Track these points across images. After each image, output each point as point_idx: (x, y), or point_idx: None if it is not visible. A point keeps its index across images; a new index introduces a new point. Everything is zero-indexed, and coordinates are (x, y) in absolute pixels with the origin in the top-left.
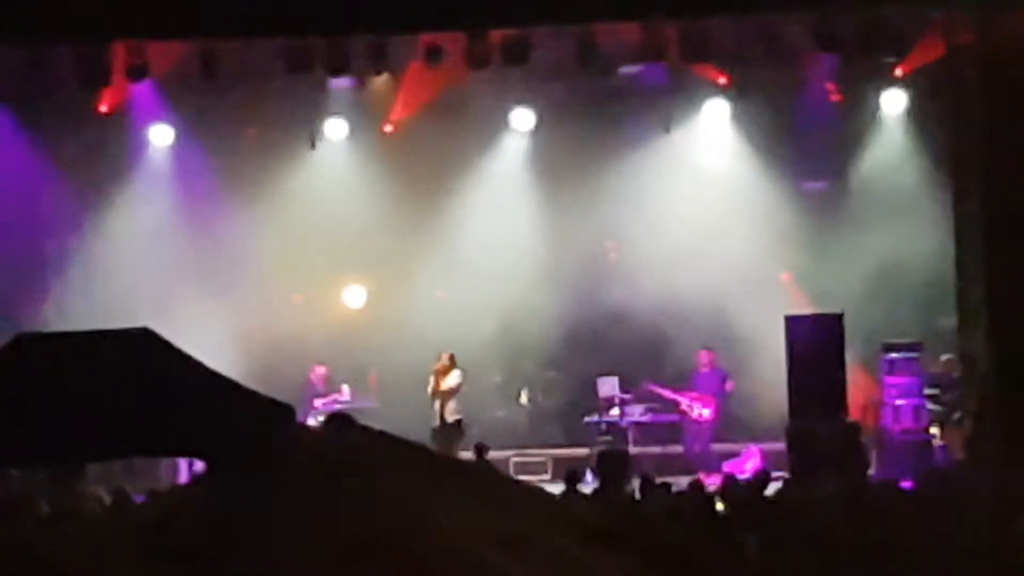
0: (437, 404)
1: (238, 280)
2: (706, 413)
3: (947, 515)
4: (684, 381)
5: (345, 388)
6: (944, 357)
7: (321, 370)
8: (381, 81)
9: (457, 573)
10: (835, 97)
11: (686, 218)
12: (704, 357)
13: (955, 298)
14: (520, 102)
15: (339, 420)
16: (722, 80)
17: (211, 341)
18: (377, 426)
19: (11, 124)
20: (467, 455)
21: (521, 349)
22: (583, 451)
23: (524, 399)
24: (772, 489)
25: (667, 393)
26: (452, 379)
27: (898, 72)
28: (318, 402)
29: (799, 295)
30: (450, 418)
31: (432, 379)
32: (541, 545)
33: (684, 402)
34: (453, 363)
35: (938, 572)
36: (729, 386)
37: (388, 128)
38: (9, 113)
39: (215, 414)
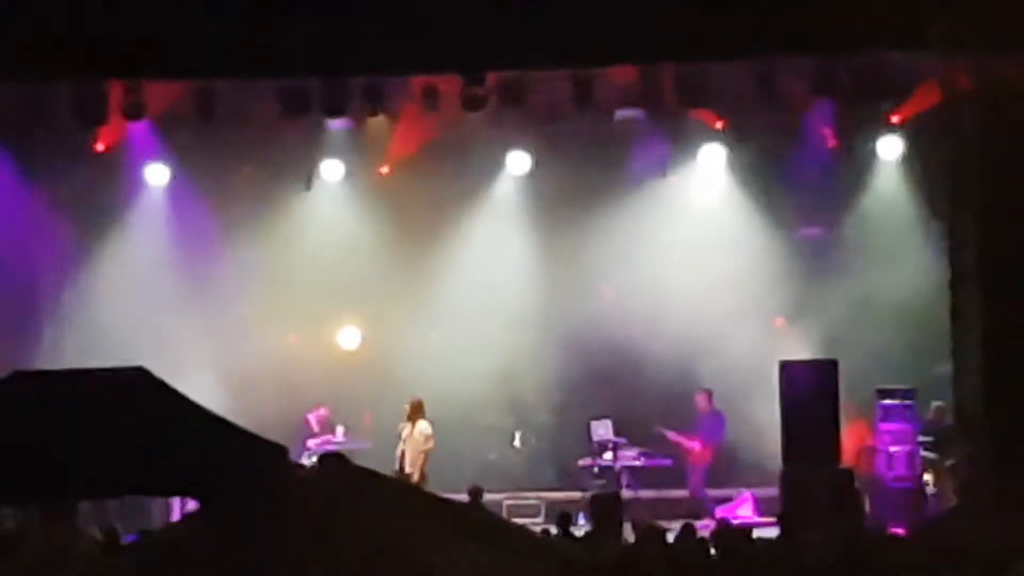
0: (399, 450)
1: (233, 320)
2: (698, 460)
3: (940, 563)
4: (684, 424)
5: (339, 429)
6: (937, 404)
7: (323, 411)
8: (377, 122)
9: None
10: (831, 143)
11: (681, 262)
12: (701, 398)
13: (950, 345)
14: (516, 144)
15: (333, 460)
16: (718, 124)
17: (205, 380)
18: (371, 467)
19: (6, 161)
20: (461, 497)
21: (515, 392)
22: (576, 494)
23: (518, 442)
24: (765, 534)
25: (672, 435)
26: (419, 435)
27: (895, 118)
28: (311, 442)
29: (793, 340)
30: (409, 469)
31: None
32: None
33: (686, 444)
34: (416, 412)
35: None
36: (722, 429)
37: (384, 169)
38: (4, 150)
39: (208, 453)
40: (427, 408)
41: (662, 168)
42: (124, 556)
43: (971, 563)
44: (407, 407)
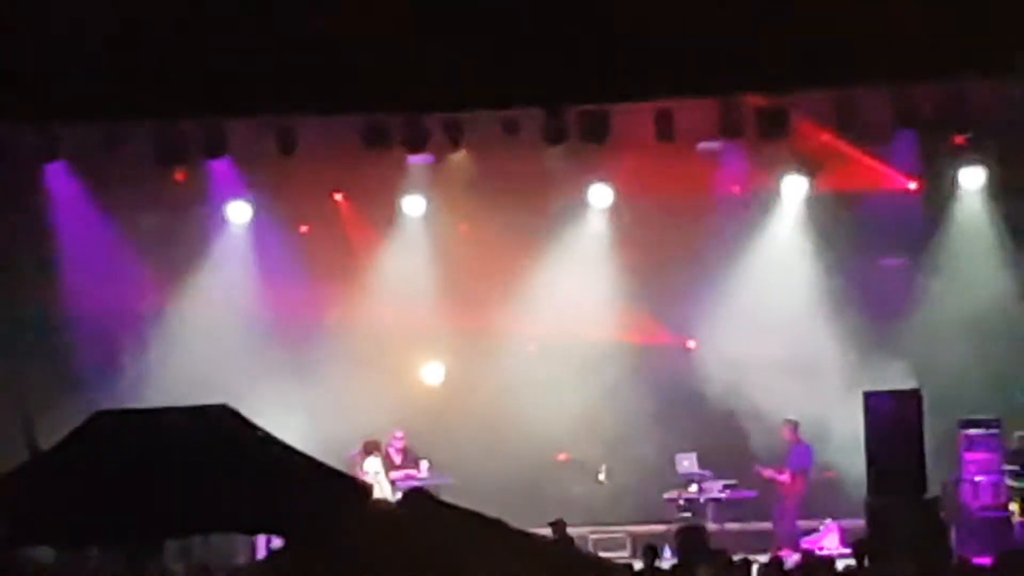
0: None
1: (315, 357)
2: (788, 492)
3: None
4: (773, 457)
5: (423, 464)
6: (1021, 433)
7: (399, 434)
8: (459, 157)
9: None
10: (914, 173)
11: (765, 293)
12: (787, 431)
13: None
14: (598, 178)
15: (416, 496)
16: (800, 158)
17: (289, 417)
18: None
19: (87, 199)
20: (544, 531)
21: (599, 425)
22: (662, 527)
23: (602, 476)
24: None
25: (767, 472)
26: (368, 468)
27: (975, 146)
28: (392, 475)
29: (877, 370)
30: None
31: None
32: None
33: (780, 479)
34: (369, 450)
35: None
36: (810, 458)
37: (466, 204)
38: (86, 189)
39: (292, 490)
40: (511, 441)
41: (745, 200)
42: None
43: None
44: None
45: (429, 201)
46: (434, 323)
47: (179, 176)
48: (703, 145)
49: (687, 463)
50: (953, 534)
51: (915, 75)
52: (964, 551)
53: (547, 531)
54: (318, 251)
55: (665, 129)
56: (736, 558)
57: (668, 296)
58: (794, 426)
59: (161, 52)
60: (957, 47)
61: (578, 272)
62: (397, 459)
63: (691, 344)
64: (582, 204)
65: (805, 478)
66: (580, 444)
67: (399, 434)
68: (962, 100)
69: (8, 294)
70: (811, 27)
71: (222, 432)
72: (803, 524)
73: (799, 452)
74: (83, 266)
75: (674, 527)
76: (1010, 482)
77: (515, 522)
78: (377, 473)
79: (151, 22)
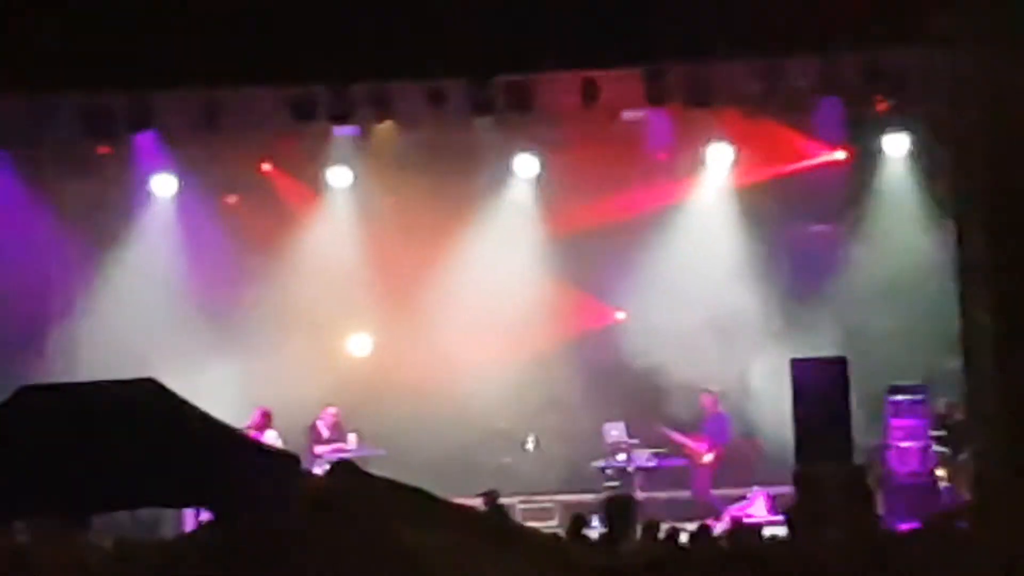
0: None
1: (243, 329)
2: (708, 458)
3: (953, 558)
4: (692, 426)
5: (351, 437)
6: (946, 398)
7: (332, 411)
8: (384, 128)
9: None
10: (838, 139)
11: (691, 260)
12: (707, 400)
13: (959, 339)
14: (524, 148)
15: (345, 468)
16: (725, 126)
17: (216, 391)
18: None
19: (10, 172)
20: (476, 502)
21: (527, 395)
22: (590, 497)
23: (531, 445)
24: (779, 532)
25: (676, 436)
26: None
27: (900, 114)
28: (320, 449)
29: (804, 337)
30: None
31: None
32: None
33: (691, 445)
34: (265, 422)
35: None
36: (728, 430)
37: (393, 175)
38: (9, 161)
39: (220, 464)
40: (440, 412)
41: (671, 168)
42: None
43: (984, 558)
44: (257, 418)
45: (355, 173)
46: (361, 295)
47: (104, 149)
48: (628, 114)
49: (615, 432)
50: (880, 500)
51: (838, 43)
52: (891, 517)
53: (478, 501)
54: (245, 222)
55: (590, 98)
56: (665, 526)
57: (596, 265)
58: (714, 396)
59: (86, 25)
60: (877, 14)
61: (505, 242)
62: (326, 433)
63: (620, 314)
64: (509, 174)
65: (721, 448)
66: (509, 414)
67: (332, 410)
68: (884, 67)
69: None
70: None
71: (148, 406)
72: (731, 492)
73: (717, 422)
74: (7, 239)
75: (602, 496)
76: (937, 448)
77: (446, 493)
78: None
79: None
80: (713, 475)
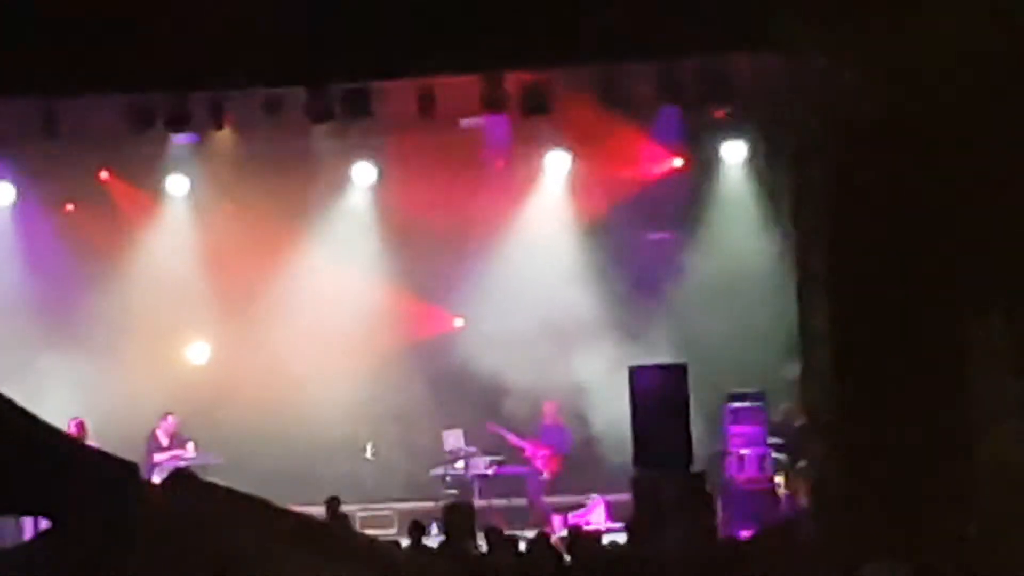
0: None
1: (81, 337)
2: (545, 467)
3: (790, 564)
4: (531, 433)
5: (190, 445)
6: (785, 405)
7: (171, 420)
8: (223, 135)
9: None
10: (678, 147)
11: (531, 269)
12: (548, 408)
13: (798, 347)
14: (362, 156)
15: (181, 477)
16: (564, 132)
17: (55, 400)
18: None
19: None
20: (318, 510)
21: (366, 403)
22: (429, 504)
23: (369, 453)
24: (618, 540)
25: (510, 437)
26: None
27: (737, 122)
28: (158, 457)
29: (644, 345)
30: None
31: None
32: None
33: (527, 448)
34: (80, 433)
35: None
36: (568, 441)
37: (231, 183)
38: None
39: (58, 473)
40: (279, 420)
41: (509, 175)
42: None
43: (821, 564)
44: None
45: (193, 180)
46: (200, 303)
47: None
48: (466, 121)
49: (453, 439)
50: (719, 507)
51: (677, 49)
52: (730, 524)
53: (320, 509)
54: (84, 230)
55: (428, 106)
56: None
57: (434, 273)
58: (556, 405)
59: None
60: (715, 20)
61: (343, 250)
62: (164, 441)
63: (458, 322)
64: (347, 182)
65: (563, 459)
66: (348, 422)
67: (171, 418)
68: (722, 73)
69: None
70: (572, 2)
71: None
72: (570, 500)
73: (558, 432)
74: None
75: (441, 504)
76: (775, 455)
77: (285, 502)
78: None
79: None
80: (548, 484)
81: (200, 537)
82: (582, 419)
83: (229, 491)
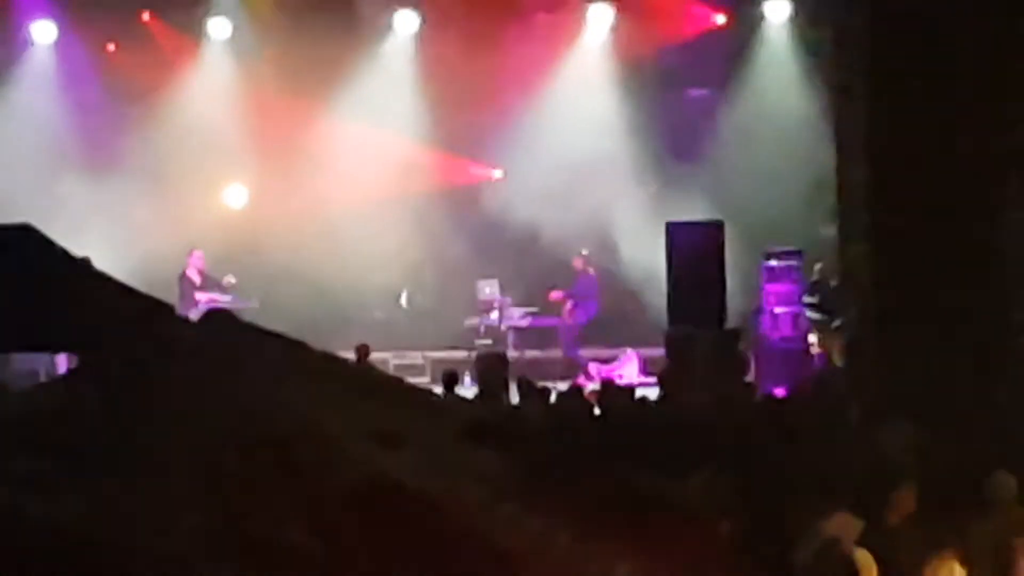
0: None
1: (121, 178)
2: (584, 317)
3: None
4: (564, 285)
5: (226, 279)
6: (820, 264)
7: (197, 254)
8: None
9: (335, 468)
10: (721, 4)
11: (570, 122)
12: (577, 262)
13: (835, 206)
14: (405, 3)
15: (218, 316)
16: None
17: (93, 239)
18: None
19: None
20: (348, 356)
21: (401, 250)
22: (462, 354)
23: (404, 301)
24: (651, 394)
25: (556, 296)
26: None
27: None
28: (199, 295)
29: (681, 202)
30: None
31: None
32: (419, 441)
33: (568, 307)
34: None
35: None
36: (599, 291)
37: (272, 28)
38: None
39: (94, 310)
40: (313, 265)
41: (551, 27)
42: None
43: (850, 421)
44: None
45: (235, 24)
46: (237, 147)
47: None
48: None
49: (488, 289)
50: (752, 365)
51: None
52: (763, 382)
53: (350, 355)
54: (125, 71)
55: None
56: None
57: (474, 123)
58: (584, 257)
59: None
60: None
61: (384, 100)
62: (196, 279)
63: (497, 173)
64: (388, 31)
65: (586, 308)
66: (384, 270)
67: (198, 252)
68: None
69: None
70: None
71: (22, 251)
72: (603, 352)
73: (584, 282)
74: None
75: (474, 354)
76: (810, 314)
77: (318, 346)
78: None
79: None
80: (579, 334)
81: (233, 375)
82: (617, 273)
83: (265, 332)
